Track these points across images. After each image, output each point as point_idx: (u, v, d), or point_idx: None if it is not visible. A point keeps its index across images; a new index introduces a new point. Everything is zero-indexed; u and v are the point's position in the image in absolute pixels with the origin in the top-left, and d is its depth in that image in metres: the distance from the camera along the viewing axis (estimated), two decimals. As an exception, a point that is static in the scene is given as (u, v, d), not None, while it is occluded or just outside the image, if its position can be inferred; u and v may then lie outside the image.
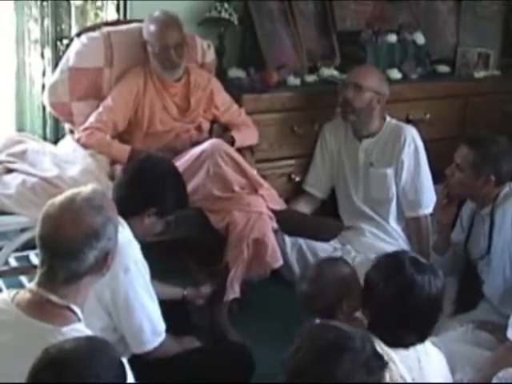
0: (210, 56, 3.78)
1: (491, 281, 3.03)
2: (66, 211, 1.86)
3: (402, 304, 2.09)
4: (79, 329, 1.82)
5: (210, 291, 3.05)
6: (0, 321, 1.83)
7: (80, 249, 1.84)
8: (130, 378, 1.73)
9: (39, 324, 1.79)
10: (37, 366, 1.55)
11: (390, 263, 2.18)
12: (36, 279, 1.87)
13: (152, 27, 3.41)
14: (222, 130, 3.66)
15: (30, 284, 1.90)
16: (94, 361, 1.55)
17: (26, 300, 1.84)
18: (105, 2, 3.81)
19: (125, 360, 1.69)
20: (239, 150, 3.46)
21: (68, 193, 1.92)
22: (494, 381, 2.43)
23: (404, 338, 2.10)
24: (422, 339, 2.14)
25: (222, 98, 3.65)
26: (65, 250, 1.83)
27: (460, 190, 3.07)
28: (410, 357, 2.08)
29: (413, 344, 2.11)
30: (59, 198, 1.90)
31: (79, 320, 1.86)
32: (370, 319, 2.14)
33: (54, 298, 1.83)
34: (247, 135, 3.62)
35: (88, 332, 1.83)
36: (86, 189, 1.93)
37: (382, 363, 1.71)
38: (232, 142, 3.48)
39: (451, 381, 2.28)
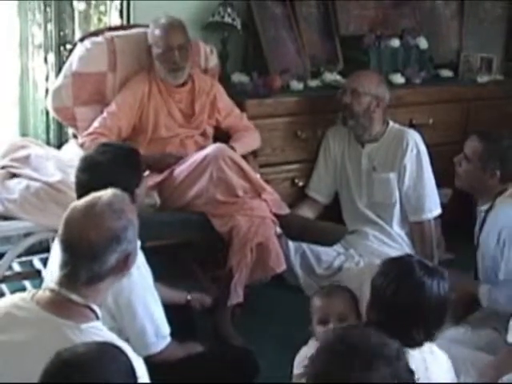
0: (213, 61, 3.79)
1: (484, 281, 3.00)
2: (89, 216, 1.89)
3: (415, 306, 2.10)
4: (98, 327, 1.86)
5: (211, 302, 3.05)
6: (22, 318, 1.86)
7: (102, 252, 1.88)
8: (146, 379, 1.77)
9: (59, 320, 1.82)
10: (48, 369, 1.57)
11: (399, 267, 2.19)
12: (57, 280, 1.91)
13: (157, 30, 3.43)
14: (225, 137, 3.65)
15: (50, 284, 1.93)
16: (104, 366, 1.56)
17: (47, 298, 1.88)
18: (108, 6, 3.82)
19: (142, 362, 1.73)
20: (242, 155, 3.46)
21: (89, 197, 1.96)
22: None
23: (415, 339, 2.11)
24: (430, 338, 2.15)
25: (225, 102, 3.64)
26: (87, 253, 1.87)
27: (465, 181, 3.05)
28: (415, 357, 2.08)
29: (421, 344, 2.12)
30: (81, 203, 1.94)
31: (98, 318, 1.90)
32: (379, 321, 2.14)
33: (75, 297, 1.87)
34: (248, 141, 3.61)
35: (105, 330, 1.88)
36: (107, 193, 1.97)
37: (412, 377, 1.69)
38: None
39: (456, 380, 2.28)
